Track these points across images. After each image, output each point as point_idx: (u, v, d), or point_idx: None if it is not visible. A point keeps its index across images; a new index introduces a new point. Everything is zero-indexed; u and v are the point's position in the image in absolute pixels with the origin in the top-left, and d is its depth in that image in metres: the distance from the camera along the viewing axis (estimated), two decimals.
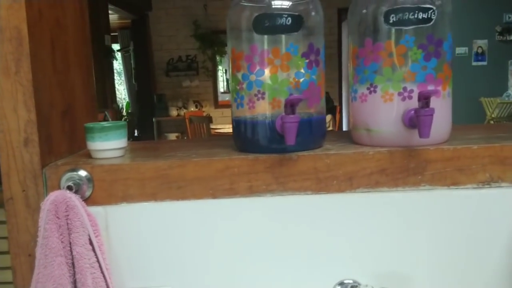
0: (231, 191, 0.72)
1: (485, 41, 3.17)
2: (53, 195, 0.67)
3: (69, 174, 0.71)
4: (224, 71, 8.92)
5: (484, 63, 3.18)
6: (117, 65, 8.08)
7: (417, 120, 0.66)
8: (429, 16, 0.67)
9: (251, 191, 0.72)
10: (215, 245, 0.73)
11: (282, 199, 0.72)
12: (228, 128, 4.66)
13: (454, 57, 3.15)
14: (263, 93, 0.71)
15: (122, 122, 0.78)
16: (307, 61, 0.71)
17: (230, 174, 0.72)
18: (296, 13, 0.70)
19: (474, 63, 3.17)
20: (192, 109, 6.47)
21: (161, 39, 6.45)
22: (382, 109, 0.71)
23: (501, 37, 3.11)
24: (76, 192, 0.70)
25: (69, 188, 0.70)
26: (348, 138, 0.82)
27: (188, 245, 0.73)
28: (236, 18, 0.73)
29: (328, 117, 4.46)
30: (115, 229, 0.73)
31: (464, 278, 0.72)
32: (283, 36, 0.70)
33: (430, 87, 0.69)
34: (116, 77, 8.98)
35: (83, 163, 0.73)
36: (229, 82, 0.77)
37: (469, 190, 0.70)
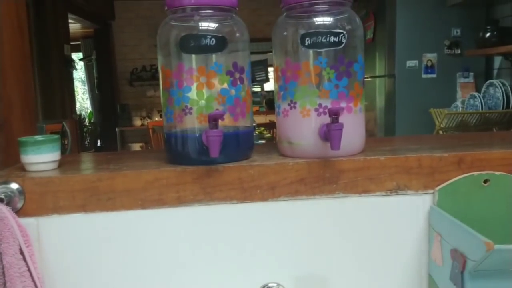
0: (160, 202, 0.76)
1: (435, 54, 3.32)
2: None
3: (0, 187, 0.73)
4: None
5: (434, 75, 3.33)
6: (82, 73, 7.98)
7: (328, 134, 0.71)
8: (340, 39, 0.73)
9: (179, 201, 0.76)
10: (145, 255, 0.77)
11: (209, 208, 0.77)
12: None
13: (405, 68, 3.30)
14: (191, 108, 0.75)
15: (55, 136, 0.81)
16: (231, 78, 0.76)
17: (159, 185, 0.76)
18: (220, 35, 0.75)
19: (424, 76, 3.32)
20: (156, 118, 6.44)
21: (124, 49, 6.42)
22: (301, 124, 0.77)
23: (449, 50, 3.26)
24: (7, 204, 0.72)
25: (0, 200, 0.72)
26: (276, 150, 0.88)
27: (118, 256, 0.76)
28: (165, 37, 0.77)
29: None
30: (47, 239, 0.75)
31: (375, 278, 0.78)
32: (209, 56, 0.74)
33: (343, 104, 0.75)
34: (80, 85, 8.87)
35: (15, 176, 0.75)
36: (161, 97, 0.81)
37: (379, 197, 0.76)
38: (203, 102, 0.75)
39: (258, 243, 0.77)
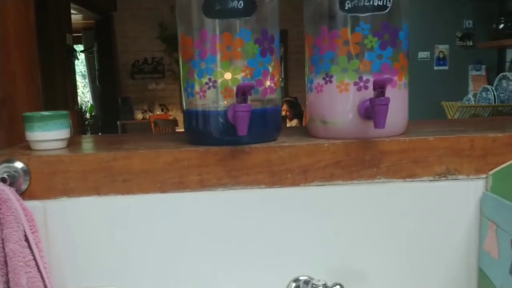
0: (180, 185, 0.68)
1: (446, 46, 3.24)
2: None
3: (3, 166, 0.66)
4: None
5: (446, 67, 3.25)
6: (82, 67, 7.89)
7: (372, 110, 0.64)
8: (384, 3, 0.65)
9: (202, 185, 0.69)
10: (163, 242, 0.69)
11: (234, 193, 0.69)
12: None
13: (416, 60, 3.22)
14: (214, 82, 0.68)
15: (64, 112, 0.73)
16: (260, 48, 0.68)
17: (179, 167, 0.68)
18: None
19: (436, 68, 3.24)
20: (158, 112, 6.37)
21: (126, 41, 6.33)
22: (338, 100, 0.69)
23: (461, 42, 3.18)
24: (11, 185, 0.65)
25: (3, 180, 0.64)
26: (304, 132, 0.80)
27: (134, 243, 0.69)
28: (186, 0, 0.69)
29: (295, 122, 4.46)
30: (54, 225, 0.68)
31: (419, 272, 0.70)
32: (235, 21, 0.67)
33: (375, 78, 0.67)
34: (80, 79, 8.77)
35: (19, 154, 0.67)
36: (180, 71, 0.73)
37: (425, 183, 0.69)
38: (228, 74, 0.67)
39: (288, 233, 0.70)
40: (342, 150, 0.68)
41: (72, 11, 4.79)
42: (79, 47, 6.82)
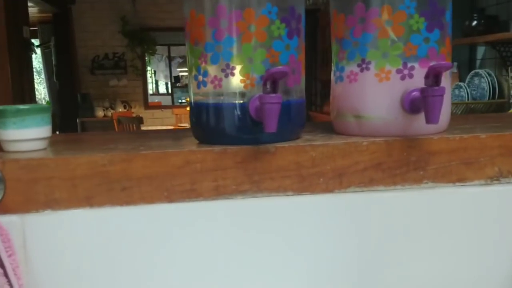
0: (192, 193, 0.57)
1: None
2: None
3: None
4: (153, 72, 8.56)
5: None
6: (36, 63, 7.49)
7: (424, 102, 0.54)
8: None
9: (218, 193, 0.57)
10: (171, 261, 0.57)
11: (256, 201, 0.58)
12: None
13: None
14: (233, 68, 0.56)
15: (44, 105, 0.60)
16: (287, 28, 0.57)
17: (191, 171, 0.56)
18: None
19: None
20: (120, 109, 6.12)
21: (85, 35, 6.04)
22: (376, 91, 0.59)
23: None
24: None
25: None
26: (327, 128, 0.70)
27: (135, 264, 0.56)
28: None
29: None
30: (36, 245, 0.54)
31: (470, 285, 0.61)
32: None
33: (432, 64, 0.57)
34: (35, 76, 8.33)
35: None
36: (187, 54, 0.61)
37: (477, 187, 0.60)
38: (251, 59, 0.56)
39: (320, 247, 0.59)
40: (383, 150, 0.58)
41: (29, 3, 4.50)
42: (35, 42, 6.47)
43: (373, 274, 0.60)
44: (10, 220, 0.53)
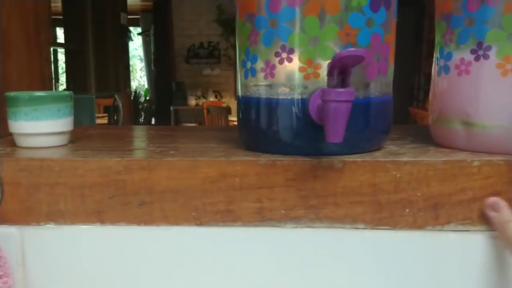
0: (228, 216, 0.43)
1: None
2: None
3: None
4: None
5: None
6: (141, 51, 7.83)
7: None
8: None
9: (262, 218, 0.43)
10: None
11: (313, 233, 0.43)
12: None
13: None
14: (291, 51, 0.41)
15: (63, 93, 0.50)
16: None
17: (227, 187, 0.43)
18: None
19: None
20: (211, 99, 6.19)
21: (183, 24, 6.17)
22: (497, 88, 0.41)
23: None
24: None
25: None
26: (424, 136, 0.52)
27: None
28: None
29: None
30: (36, 264, 0.44)
31: None
32: None
33: None
34: (138, 63, 8.75)
35: None
36: (236, 35, 0.47)
37: None
38: (315, 39, 0.41)
39: None
40: (504, 174, 0.40)
41: None
42: (136, 30, 6.76)
43: None
44: (7, 233, 0.43)
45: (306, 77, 0.41)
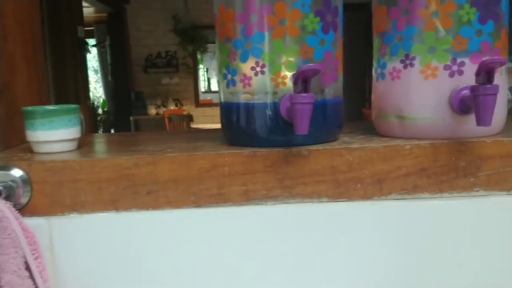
0: (219, 198, 0.54)
1: None
2: None
3: None
4: (205, 70, 8.66)
5: None
6: (94, 62, 7.77)
7: (475, 102, 0.48)
8: None
9: (247, 198, 0.54)
10: (197, 267, 0.55)
11: (287, 208, 0.54)
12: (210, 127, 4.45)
13: None
14: (263, 66, 0.53)
15: (73, 106, 0.59)
16: (322, 22, 0.53)
17: (218, 175, 0.54)
18: None
19: None
20: (171, 107, 6.23)
21: (139, 34, 6.20)
22: (421, 89, 0.54)
23: None
24: (7, 199, 0.51)
25: None
26: (369, 129, 0.65)
27: (161, 269, 0.54)
28: None
29: None
30: (62, 248, 0.54)
31: None
32: None
33: (484, 59, 0.51)
34: (93, 74, 8.65)
35: (18, 159, 0.53)
36: (217, 53, 0.58)
37: None
38: (281, 56, 0.52)
39: (357, 258, 0.55)
40: (429, 154, 0.53)
41: (84, 4, 4.67)
42: (91, 42, 6.71)
43: (412, 285, 0.55)
44: (37, 223, 0.52)
45: (276, 85, 0.53)
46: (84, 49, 3.90)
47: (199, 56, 6.65)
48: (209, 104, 6.69)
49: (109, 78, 6.53)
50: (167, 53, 6.24)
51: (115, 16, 6.01)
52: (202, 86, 6.67)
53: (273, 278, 0.55)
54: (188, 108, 6.30)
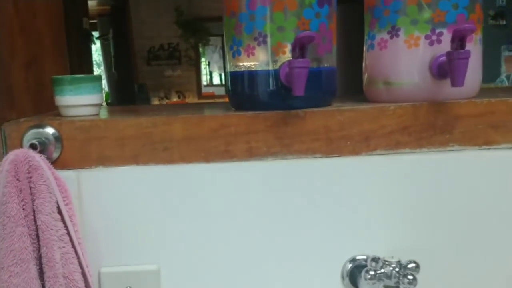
0: (226, 154, 0.61)
1: None
2: (12, 154, 0.55)
3: (33, 132, 0.59)
4: (207, 63, 8.72)
5: None
6: (96, 56, 7.85)
7: (449, 66, 0.56)
8: None
9: (250, 154, 0.61)
10: (207, 216, 0.62)
11: (286, 163, 0.62)
12: None
13: None
14: (265, 36, 0.60)
15: (97, 75, 0.66)
16: None
17: (225, 134, 0.61)
18: None
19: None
20: (174, 99, 6.31)
21: (142, 27, 6.26)
22: (405, 57, 0.61)
23: (494, 21, 3.04)
24: (41, 152, 0.58)
25: (33, 146, 0.57)
26: (360, 99, 0.72)
27: (175, 216, 0.62)
28: None
29: None
30: (89, 197, 0.61)
31: (492, 249, 0.62)
32: None
33: (456, 28, 0.58)
34: (95, 68, 8.73)
35: (50, 120, 0.61)
36: (224, 28, 0.65)
37: (504, 151, 0.60)
38: (282, 27, 0.60)
39: (346, 207, 0.62)
40: (410, 114, 0.60)
41: None
42: (95, 34, 6.77)
43: (396, 233, 0.62)
44: (67, 174, 0.60)
45: (276, 54, 0.60)
46: (89, 40, 3.96)
47: (201, 49, 6.71)
48: (212, 96, 6.76)
49: (113, 70, 6.61)
50: (170, 45, 6.30)
51: (118, 9, 6.07)
52: (204, 80, 6.74)
53: (273, 224, 0.62)
54: (191, 100, 6.37)
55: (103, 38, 6.69)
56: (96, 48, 7.22)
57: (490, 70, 3.07)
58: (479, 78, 0.63)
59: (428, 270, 0.61)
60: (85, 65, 3.93)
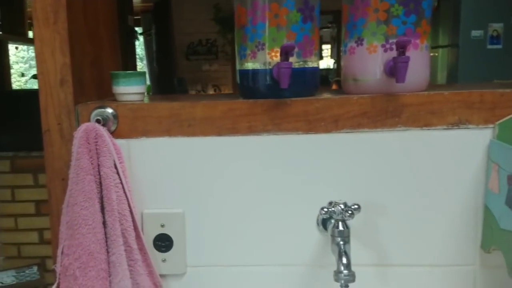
0: (233, 130, 0.84)
1: (501, 24, 3.19)
2: (84, 125, 0.80)
3: (98, 111, 0.84)
4: None
5: (499, 46, 3.21)
6: (139, 50, 8.25)
7: (394, 67, 0.76)
8: None
9: (250, 130, 0.84)
10: (219, 176, 0.85)
11: (277, 138, 0.84)
12: None
13: (469, 38, 3.19)
14: (263, 44, 0.82)
15: (142, 71, 0.91)
16: (302, 16, 0.82)
17: (232, 115, 0.84)
18: None
19: (489, 46, 3.21)
20: (211, 92, 6.60)
21: (182, 23, 6.57)
22: (367, 60, 0.82)
23: None
24: (103, 126, 0.83)
25: (98, 121, 0.82)
26: (339, 91, 0.93)
27: (197, 175, 0.85)
28: None
29: None
30: (136, 159, 0.85)
31: (433, 208, 0.82)
32: None
33: (397, 39, 0.78)
34: (138, 62, 9.17)
35: (109, 103, 0.86)
36: (235, 37, 0.88)
37: (440, 131, 0.80)
38: (275, 38, 0.82)
39: (321, 172, 0.84)
40: (368, 103, 0.81)
41: None
42: (138, 30, 7.14)
43: (356, 192, 0.84)
44: (121, 142, 0.84)
45: (271, 58, 0.82)
46: (134, 37, 4.28)
47: None
48: None
49: (154, 64, 6.96)
50: (207, 41, 6.58)
51: (161, 6, 6.40)
52: None
53: (267, 181, 0.85)
54: (226, 93, 6.64)
55: (146, 34, 7.06)
56: (138, 43, 7.59)
57: None
58: (425, 76, 0.83)
59: (377, 218, 0.82)
60: (130, 61, 4.25)
